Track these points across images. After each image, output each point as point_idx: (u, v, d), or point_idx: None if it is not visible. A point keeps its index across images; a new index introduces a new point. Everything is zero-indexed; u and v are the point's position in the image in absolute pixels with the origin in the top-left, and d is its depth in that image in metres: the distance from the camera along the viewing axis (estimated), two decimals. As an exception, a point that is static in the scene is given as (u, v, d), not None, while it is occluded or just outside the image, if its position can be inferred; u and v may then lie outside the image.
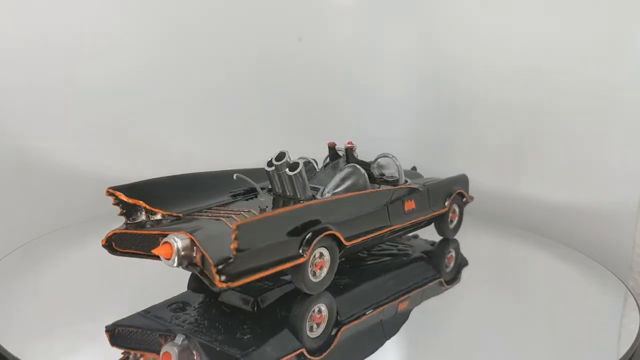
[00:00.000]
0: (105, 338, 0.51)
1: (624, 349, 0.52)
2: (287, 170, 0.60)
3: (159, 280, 0.63)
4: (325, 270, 0.57)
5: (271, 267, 0.51)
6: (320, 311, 0.55)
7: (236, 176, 0.60)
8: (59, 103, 0.86)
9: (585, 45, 0.82)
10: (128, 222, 0.57)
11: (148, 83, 0.90)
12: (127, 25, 0.88)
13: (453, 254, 0.74)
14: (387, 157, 0.69)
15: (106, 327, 0.52)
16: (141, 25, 0.89)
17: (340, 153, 0.71)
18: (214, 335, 0.50)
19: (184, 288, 0.60)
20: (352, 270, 0.65)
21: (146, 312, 0.55)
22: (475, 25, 0.90)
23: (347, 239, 0.58)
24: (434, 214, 0.73)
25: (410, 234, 0.77)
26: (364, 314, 0.56)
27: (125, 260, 0.66)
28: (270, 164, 0.61)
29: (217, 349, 0.48)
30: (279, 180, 0.61)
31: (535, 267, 0.63)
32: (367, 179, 0.65)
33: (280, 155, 0.61)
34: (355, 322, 0.54)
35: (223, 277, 0.48)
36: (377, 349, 0.51)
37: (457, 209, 0.78)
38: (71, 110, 0.87)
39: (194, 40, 0.92)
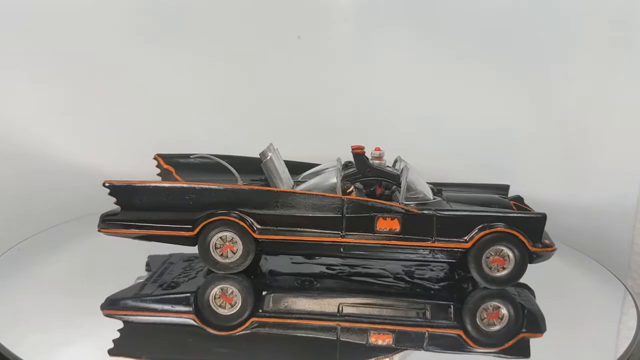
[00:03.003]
0: (102, 334, 0.52)
1: (622, 347, 0.52)
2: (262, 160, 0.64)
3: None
4: (237, 254, 0.61)
5: (153, 229, 0.60)
6: (232, 293, 0.58)
7: (193, 157, 0.68)
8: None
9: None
10: None
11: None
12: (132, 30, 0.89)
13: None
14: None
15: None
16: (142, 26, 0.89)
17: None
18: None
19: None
20: (345, 280, 0.64)
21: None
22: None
23: (260, 232, 0.60)
24: (444, 245, 0.60)
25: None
26: (282, 317, 0.55)
27: (124, 257, 0.67)
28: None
29: None
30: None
31: (533, 265, 0.63)
32: (343, 184, 0.62)
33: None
34: (267, 319, 0.55)
35: (100, 224, 0.61)
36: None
37: (510, 254, 0.60)
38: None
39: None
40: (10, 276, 0.63)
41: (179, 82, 0.92)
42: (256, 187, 0.62)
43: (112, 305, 0.56)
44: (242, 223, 0.60)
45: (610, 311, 0.62)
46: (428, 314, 0.57)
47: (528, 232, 0.59)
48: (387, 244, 0.60)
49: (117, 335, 0.51)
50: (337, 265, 0.65)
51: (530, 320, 0.57)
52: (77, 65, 0.87)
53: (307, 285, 0.62)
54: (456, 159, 0.89)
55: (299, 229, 0.61)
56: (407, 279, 0.64)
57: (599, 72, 0.82)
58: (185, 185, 0.61)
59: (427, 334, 0.53)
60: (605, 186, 0.84)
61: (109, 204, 0.66)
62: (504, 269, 0.60)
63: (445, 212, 0.60)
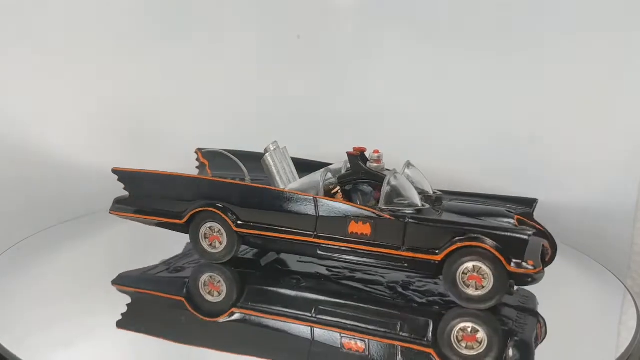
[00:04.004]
0: (103, 333, 0.52)
1: (623, 347, 0.52)
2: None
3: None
4: (222, 245, 0.63)
5: (153, 215, 0.65)
6: (219, 282, 0.61)
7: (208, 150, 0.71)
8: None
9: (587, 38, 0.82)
10: None
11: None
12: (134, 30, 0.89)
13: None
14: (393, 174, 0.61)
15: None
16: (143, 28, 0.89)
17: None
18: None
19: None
20: (334, 283, 0.62)
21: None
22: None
23: (239, 226, 0.62)
24: (413, 255, 0.56)
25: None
26: (258, 310, 0.56)
27: (124, 256, 0.67)
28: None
29: None
30: None
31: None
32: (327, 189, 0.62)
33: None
34: (245, 311, 0.56)
35: (111, 207, 0.67)
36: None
37: (488, 271, 0.54)
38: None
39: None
40: (9, 276, 0.63)
41: (179, 82, 0.92)
42: (237, 182, 0.64)
43: (121, 280, 0.61)
44: (224, 216, 0.62)
45: (610, 311, 0.62)
46: (400, 328, 0.54)
47: (507, 250, 0.53)
48: (357, 249, 0.58)
49: (118, 319, 0.54)
50: (337, 268, 0.65)
51: (514, 352, 0.51)
52: (77, 64, 0.87)
53: (293, 283, 0.61)
54: (459, 159, 0.89)
55: (275, 226, 0.61)
56: (400, 289, 0.60)
57: (599, 72, 0.82)
58: (174, 175, 0.64)
59: (398, 347, 0.51)
60: (605, 186, 0.84)
61: (108, 204, 0.67)
62: (482, 287, 0.54)
63: (416, 220, 0.56)
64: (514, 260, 0.53)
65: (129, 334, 0.53)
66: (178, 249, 0.69)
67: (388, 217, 0.57)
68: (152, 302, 0.59)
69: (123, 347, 0.51)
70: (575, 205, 0.85)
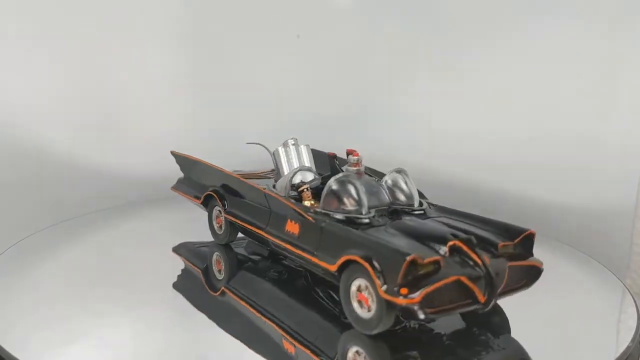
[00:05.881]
0: (100, 334, 0.52)
1: (622, 346, 0.52)
2: None
3: (159, 275, 0.64)
4: (222, 228, 0.67)
5: (189, 194, 0.71)
6: (222, 263, 0.66)
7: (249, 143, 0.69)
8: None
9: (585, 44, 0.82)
10: None
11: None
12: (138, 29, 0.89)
13: None
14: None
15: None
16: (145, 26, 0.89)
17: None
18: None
19: (183, 280, 0.63)
20: (318, 284, 0.60)
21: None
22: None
23: (227, 213, 0.65)
24: (318, 262, 0.52)
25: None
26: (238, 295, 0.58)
27: (124, 255, 0.67)
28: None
29: None
30: None
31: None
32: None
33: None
34: (229, 292, 0.59)
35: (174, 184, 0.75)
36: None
37: (371, 292, 0.46)
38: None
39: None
40: (9, 276, 0.63)
41: (180, 82, 0.92)
42: (227, 172, 0.67)
43: (178, 248, 0.70)
44: (219, 201, 0.66)
45: (610, 311, 0.62)
46: (320, 342, 0.50)
47: (384, 270, 0.45)
48: (287, 248, 0.56)
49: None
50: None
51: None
52: (77, 65, 0.87)
53: (274, 276, 0.62)
54: (454, 157, 0.89)
55: (246, 216, 0.63)
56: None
57: (599, 72, 0.82)
58: (198, 161, 0.70)
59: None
60: (605, 186, 0.84)
61: (109, 204, 0.67)
62: (368, 309, 0.47)
63: (329, 225, 0.52)
64: (386, 284, 0.45)
65: (128, 334, 0.53)
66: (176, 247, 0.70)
67: (310, 219, 0.54)
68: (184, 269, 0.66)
69: (123, 347, 0.51)
70: (575, 205, 0.85)
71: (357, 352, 0.48)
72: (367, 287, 0.47)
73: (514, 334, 0.54)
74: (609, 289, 0.66)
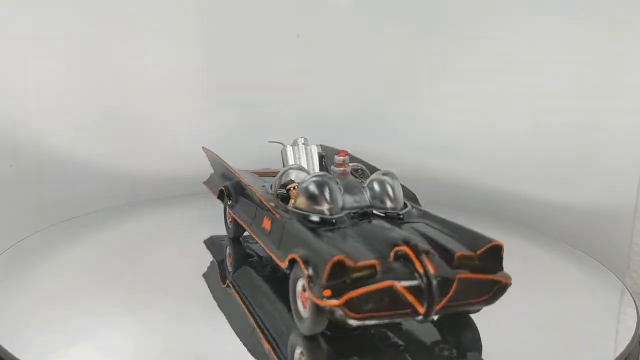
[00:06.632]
0: (102, 335, 0.52)
1: (622, 346, 0.52)
2: None
3: (159, 275, 0.64)
4: (231, 223, 0.69)
5: (214, 189, 0.72)
6: (231, 257, 0.68)
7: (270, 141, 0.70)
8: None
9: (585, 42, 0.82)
10: None
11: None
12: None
13: None
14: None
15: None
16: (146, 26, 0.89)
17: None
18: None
19: (183, 279, 0.63)
20: None
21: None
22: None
23: (229, 207, 0.67)
24: (276, 258, 0.51)
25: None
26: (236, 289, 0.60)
27: (124, 255, 0.67)
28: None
29: None
30: None
31: (533, 264, 0.63)
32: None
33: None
34: (230, 286, 0.60)
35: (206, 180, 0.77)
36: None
37: (308, 293, 0.45)
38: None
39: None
40: (9, 276, 0.63)
41: (180, 82, 0.92)
42: (232, 169, 0.68)
43: (209, 240, 0.72)
44: (227, 197, 0.68)
45: (610, 311, 0.62)
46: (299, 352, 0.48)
47: (315, 271, 0.45)
48: (261, 244, 0.55)
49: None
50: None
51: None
52: (78, 64, 0.87)
53: (268, 271, 0.63)
54: (450, 154, 0.89)
55: (241, 212, 0.65)
56: None
57: (600, 72, 0.82)
58: (217, 159, 0.72)
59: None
60: (605, 186, 0.84)
61: (108, 204, 0.67)
62: (306, 310, 0.47)
63: (289, 223, 0.52)
64: (314, 285, 0.44)
65: (129, 334, 0.53)
66: (177, 249, 0.70)
67: (278, 216, 0.54)
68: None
69: (124, 347, 0.51)
70: (575, 205, 0.85)
71: (301, 352, 0.47)
72: (305, 288, 0.46)
73: (514, 333, 0.54)
74: (609, 289, 0.66)
